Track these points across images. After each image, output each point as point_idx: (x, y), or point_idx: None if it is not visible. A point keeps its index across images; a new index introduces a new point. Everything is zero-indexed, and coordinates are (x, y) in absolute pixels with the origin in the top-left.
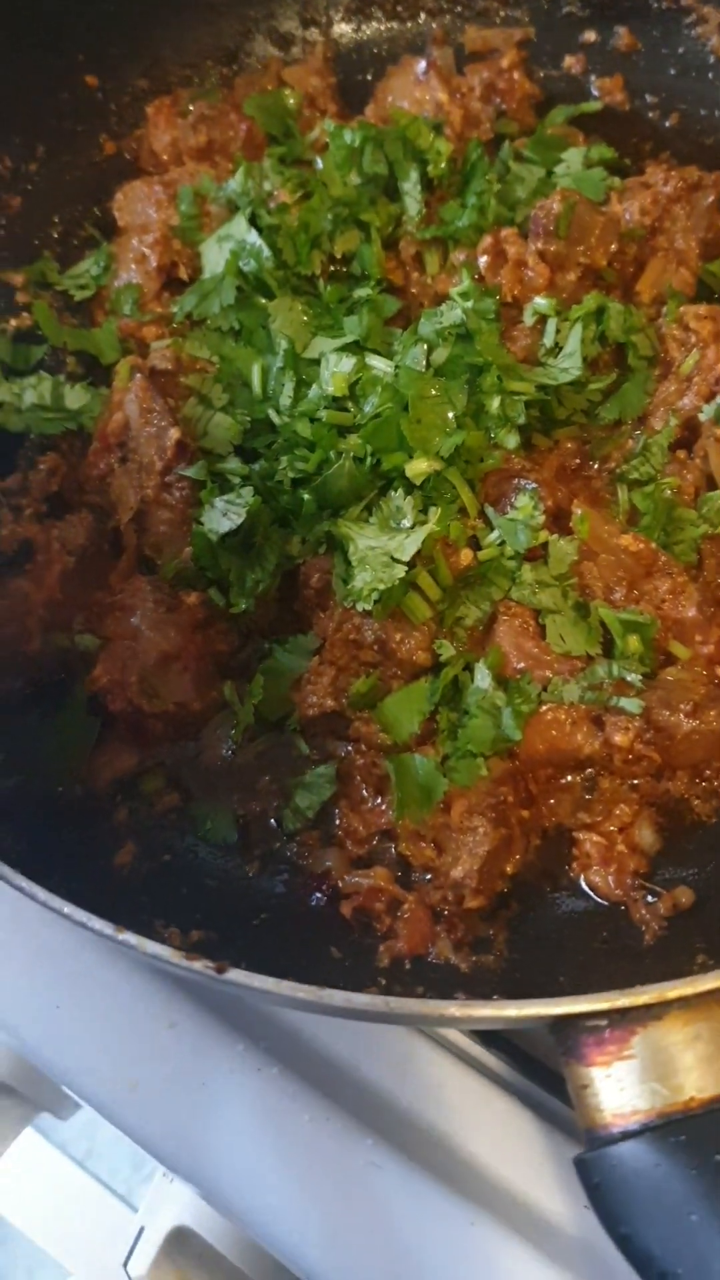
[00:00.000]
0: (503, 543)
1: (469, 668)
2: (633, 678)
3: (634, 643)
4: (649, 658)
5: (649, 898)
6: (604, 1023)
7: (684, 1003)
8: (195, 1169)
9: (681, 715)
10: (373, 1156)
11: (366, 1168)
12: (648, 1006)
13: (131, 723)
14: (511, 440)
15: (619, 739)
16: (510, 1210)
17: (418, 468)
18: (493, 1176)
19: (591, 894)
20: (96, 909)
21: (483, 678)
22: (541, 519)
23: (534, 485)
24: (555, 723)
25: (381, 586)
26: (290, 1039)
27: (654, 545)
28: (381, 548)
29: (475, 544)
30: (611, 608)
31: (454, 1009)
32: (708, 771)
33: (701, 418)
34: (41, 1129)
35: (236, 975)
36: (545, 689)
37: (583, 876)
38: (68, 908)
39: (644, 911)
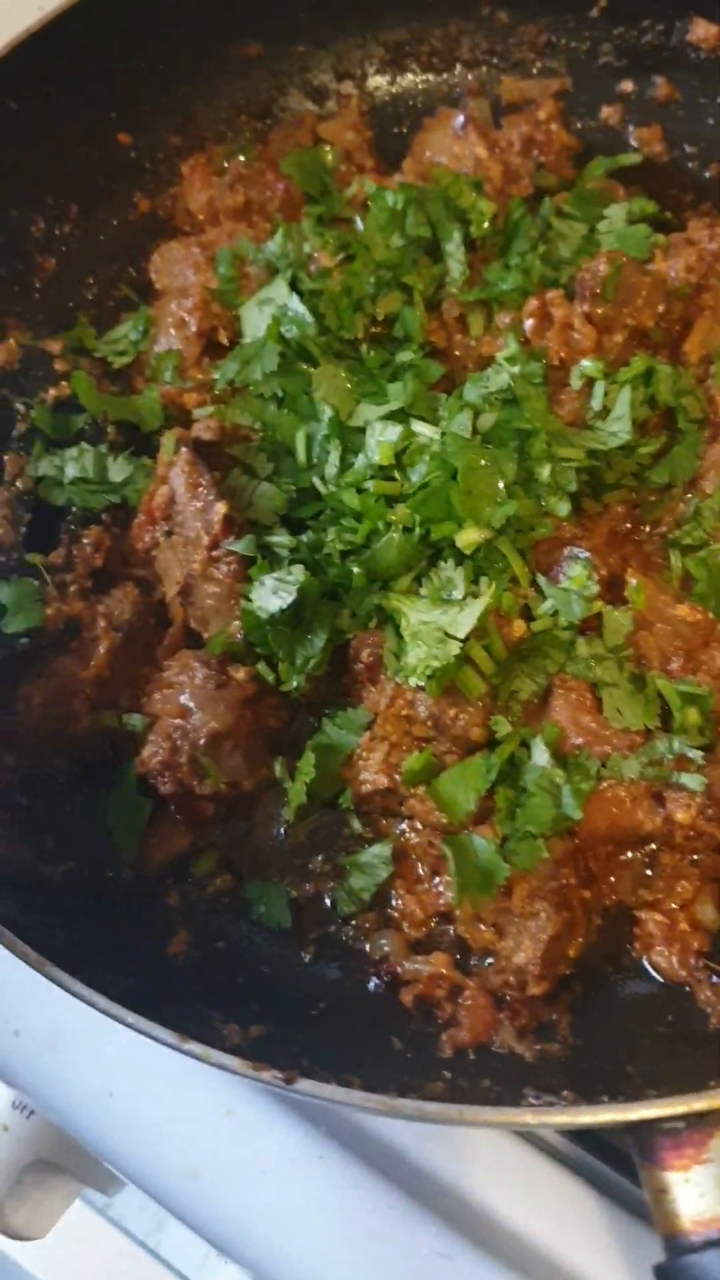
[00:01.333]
0: (556, 613)
1: (525, 744)
2: (694, 753)
3: (693, 715)
4: (709, 729)
5: (714, 978)
6: (680, 1125)
7: None
8: (257, 1258)
9: None
10: (440, 1246)
11: (434, 1258)
12: None
13: (183, 804)
14: (563, 508)
15: (680, 815)
16: None
17: (468, 538)
18: (566, 1267)
19: (655, 975)
20: (155, 1010)
21: (540, 754)
22: (596, 589)
23: (586, 554)
24: (615, 800)
25: (436, 664)
26: (350, 1125)
27: (711, 614)
28: (435, 622)
29: (528, 614)
30: (669, 678)
31: (528, 1115)
32: None
33: None
34: (94, 1204)
35: (306, 1086)
36: (604, 765)
37: (645, 957)
38: (130, 1017)
39: (709, 993)
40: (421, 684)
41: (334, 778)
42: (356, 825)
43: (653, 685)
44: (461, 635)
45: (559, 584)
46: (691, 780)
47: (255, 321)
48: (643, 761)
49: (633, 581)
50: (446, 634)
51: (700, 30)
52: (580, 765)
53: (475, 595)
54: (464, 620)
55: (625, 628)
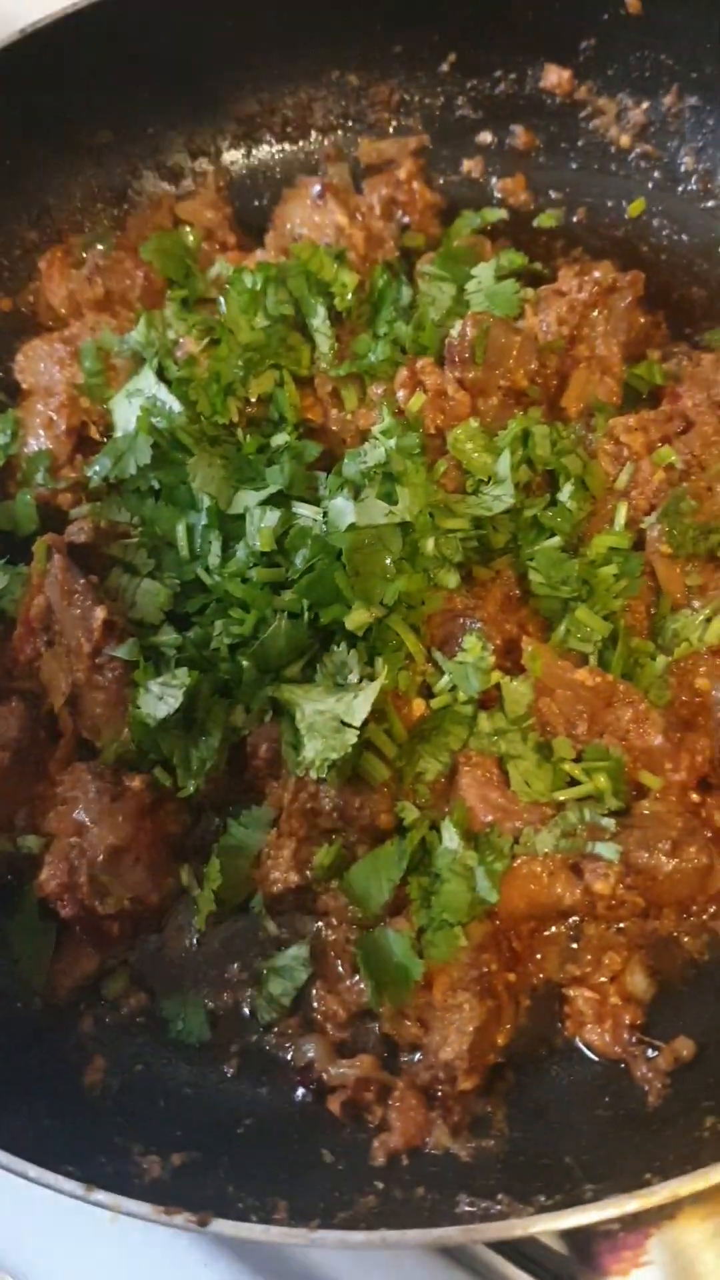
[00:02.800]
0: (455, 689)
1: (435, 827)
2: (606, 821)
3: (601, 780)
4: (621, 792)
5: (649, 1052)
6: (616, 1226)
7: (698, 1197)
8: None
9: (661, 855)
10: None
11: None
12: (660, 1206)
13: (87, 926)
14: (452, 579)
15: (600, 886)
16: None
17: (358, 619)
18: None
19: (589, 1053)
20: (68, 1152)
21: (450, 838)
22: (491, 659)
23: (479, 624)
24: (532, 876)
25: (334, 755)
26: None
27: (612, 677)
28: (330, 711)
29: (427, 692)
30: (574, 743)
31: (455, 1233)
32: (694, 907)
33: (647, 528)
34: None
35: (222, 1226)
36: (517, 841)
37: (578, 1036)
38: (33, 1170)
39: (645, 1069)
40: (322, 776)
41: (243, 880)
42: (271, 927)
43: (559, 752)
44: (357, 722)
45: (454, 658)
46: (607, 849)
47: (125, 414)
48: (556, 834)
49: (528, 648)
50: (342, 722)
51: (553, 76)
52: (493, 844)
53: (371, 677)
54: (359, 706)
55: (526, 697)
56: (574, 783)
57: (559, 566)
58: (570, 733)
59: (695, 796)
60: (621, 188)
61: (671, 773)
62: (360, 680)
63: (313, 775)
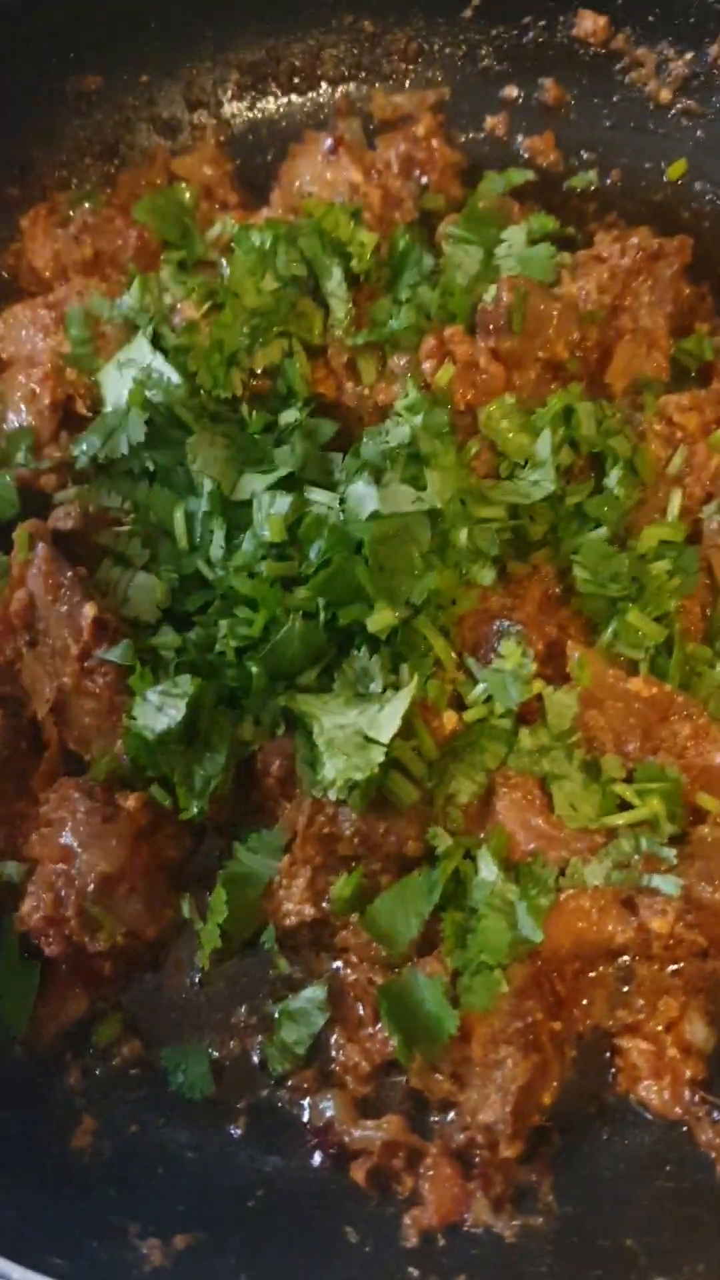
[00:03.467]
0: (490, 699)
1: (470, 855)
2: (665, 851)
3: (655, 804)
4: (678, 816)
5: (715, 1114)
6: None
7: None
8: None
9: None
10: None
11: None
12: None
13: (75, 965)
14: (487, 576)
15: (657, 924)
16: None
17: (382, 620)
18: None
19: (645, 1114)
20: (52, 1239)
21: (488, 868)
22: (532, 667)
23: (519, 626)
24: (580, 911)
25: (358, 775)
26: None
27: (669, 688)
28: (352, 725)
29: (459, 703)
30: (625, 760)
31: None
32: None
33: (705, 519)
34: None
35: None
36: (563, 872)
37: (632, 1093)
38: (17, 1272)
39: (710, 1132)
40: (343, 798)
41: (252, 912)
42: (284, 966)
43: (609, 771)
44: (384, 738)
45: (490, 665)
46: (666, 883)
47: (116, 387)
48: (608, 865)
49: (575, 654)
50: (367, 738)
51: (588, 23)
52: (535, 876)
53: (395, 686)
54: (385, 720)
55: (571, 709)
56: (625, 806)
57: (606, 561)
58: (621, 750)
59: None
60: (660, 147)
61: None
62: (384, 690)
63: (332, 796)
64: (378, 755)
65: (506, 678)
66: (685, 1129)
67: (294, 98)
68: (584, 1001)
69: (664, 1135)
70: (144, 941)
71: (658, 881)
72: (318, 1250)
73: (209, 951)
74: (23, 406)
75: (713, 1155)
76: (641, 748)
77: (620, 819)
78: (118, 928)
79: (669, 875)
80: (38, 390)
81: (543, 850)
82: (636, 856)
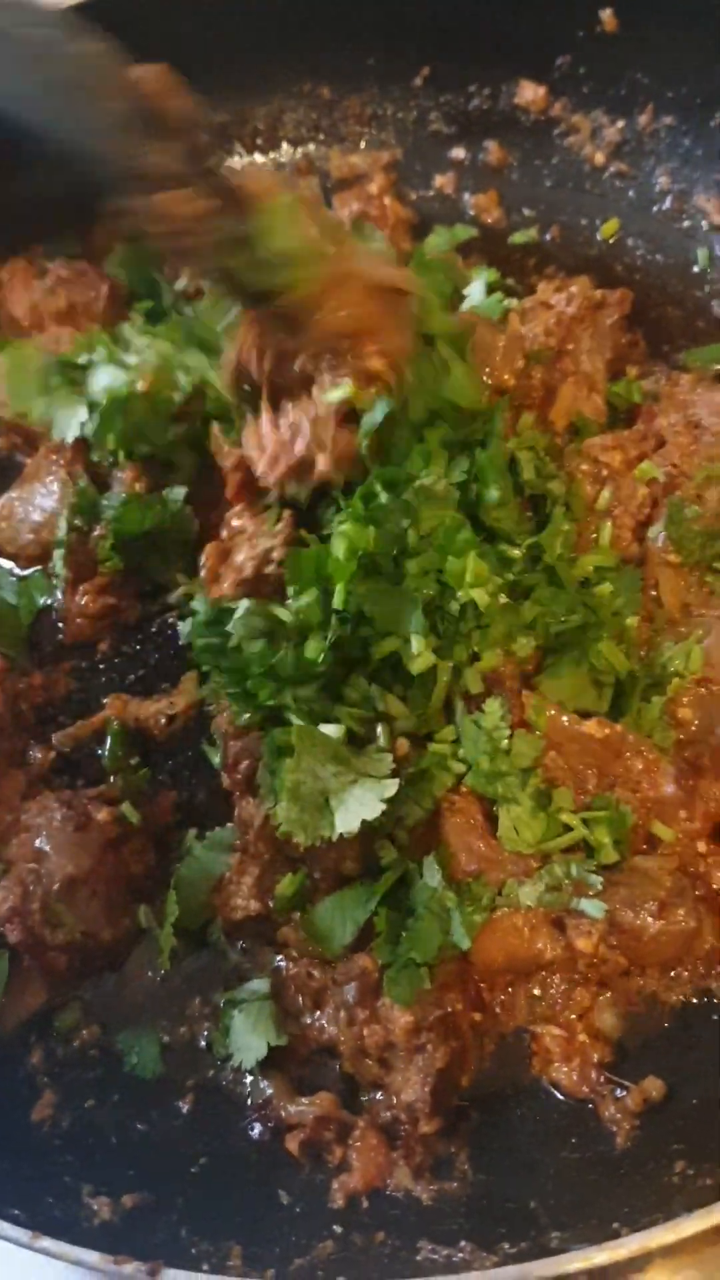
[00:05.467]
0: (456, 741)
1: (416, 861)
2: (594, 878)
3: (601, 833)
4: (624, 848)
5: (617, 1092)
6: (583, 1278)
7: (668, 1250)
8: None
9: (648, 916)
10: None
11: None
12: (629, 1259)
13: (34, 954)
14: (526, 647)
15: (582, 944)
16: None
17: (424, 662)
18: None
19: (556, 1093)
20: (14, 1194)
21: (432, 874)
22: (507, 730)
23: (503, 694)
24: (513, 929)
25: (301, 836)
26: None
27: (619, 727)
28: (322, 783)
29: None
30: (582, 796)
31: None
32: (679, 968)
33: (650, 540)
34: None
35: (174, 1276)
36: (500, 892)
37: (544, 1075)
38: None
39: (613, 1109)
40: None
41: (201, 906)
42: (234, 956)
43: (558, 802)
44: (340, 829)
45: (471, 715)
46: (592, 906)
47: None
48: (541, 888)
49: (531, 701)
50: (328, 803)
51: (529, 92)
52: (473, 893)
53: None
54: (352, 810)
55: (532, 754)
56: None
57: (559, 597)
58: (581, 787)
59: (702, 847)
60: (596, 206)
61: (685, 820)
62: (381, 750)
63: (277, 833)
64: (326, 831)
65: (481, 734)
66: (591, 1106)
67: (258, 157)
68: (502, 998)
69: (571, 1112)
70: (99, 944)
71: (585, 905)
72: (253, 1210)
73: (168, 953)
74: None
75: (613, 1129)
76: (599, 784)
77: (556, 845)
78: (77, 926)
79: (595, 899)
80: None
81: (483, 871)
82: (568, 881)
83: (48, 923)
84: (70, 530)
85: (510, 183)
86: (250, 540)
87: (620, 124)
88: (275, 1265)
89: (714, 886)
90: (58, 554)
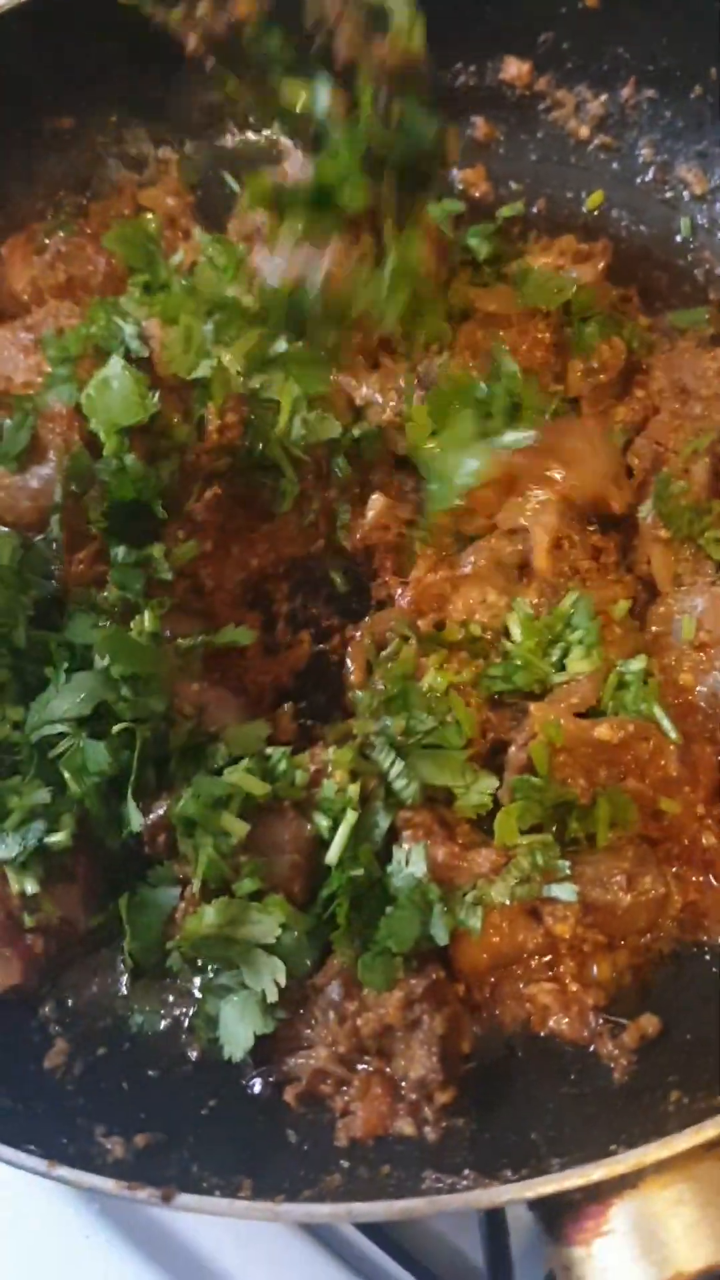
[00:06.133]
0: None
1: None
2: (560, 863)
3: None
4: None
5: (615, 1030)
6: (578, 1196)
7: (661, 1165)
8: None
9: (619, 891)
10: None
11: None
12: (623, 1175)
13: (6, 931)
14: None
15: (560, 930)
16: None
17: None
18: None
19: (555, 1040)
20: (29, 1132)
21: (418, 864)
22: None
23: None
24: (493, 928)
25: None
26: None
27: (631, 726)
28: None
29: None
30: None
31: (421, 1204)
32: (656, 930)
33: (641, 518)
34: None
35: (186, 1200)
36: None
37: (544, 1030)
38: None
39: (610, 1046)
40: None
41: (156, 942)
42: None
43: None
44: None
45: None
46: (563, 891)
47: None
48: (511, 882)
49: (535, 713)
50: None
51: (513, 68)
52: (456, 898)
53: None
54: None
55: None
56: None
57: None
58: (593, 781)
59: (701, 810)
60: (580, 179)
61: (690, 794)
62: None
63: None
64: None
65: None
66: (591, 1048)
67: (250, 135)
68: (494, 995)
69: (570, 1050)
70: (74, 932)
71: (556, 890)
72: (262, 1148)
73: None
74: None
75: (611, 1065)
76: (609, 775)
77: (521, 840)
78: (54, 910)
79: (566, 883)
80: None
81: (452, 879)
82: (535, 871)
83: (27, 906)
84: (65, 496)
85: (497, 157)
86: None
87: (603, 98)
88: (285, 1195)
89: (702, 844)
90: (54, 519)
